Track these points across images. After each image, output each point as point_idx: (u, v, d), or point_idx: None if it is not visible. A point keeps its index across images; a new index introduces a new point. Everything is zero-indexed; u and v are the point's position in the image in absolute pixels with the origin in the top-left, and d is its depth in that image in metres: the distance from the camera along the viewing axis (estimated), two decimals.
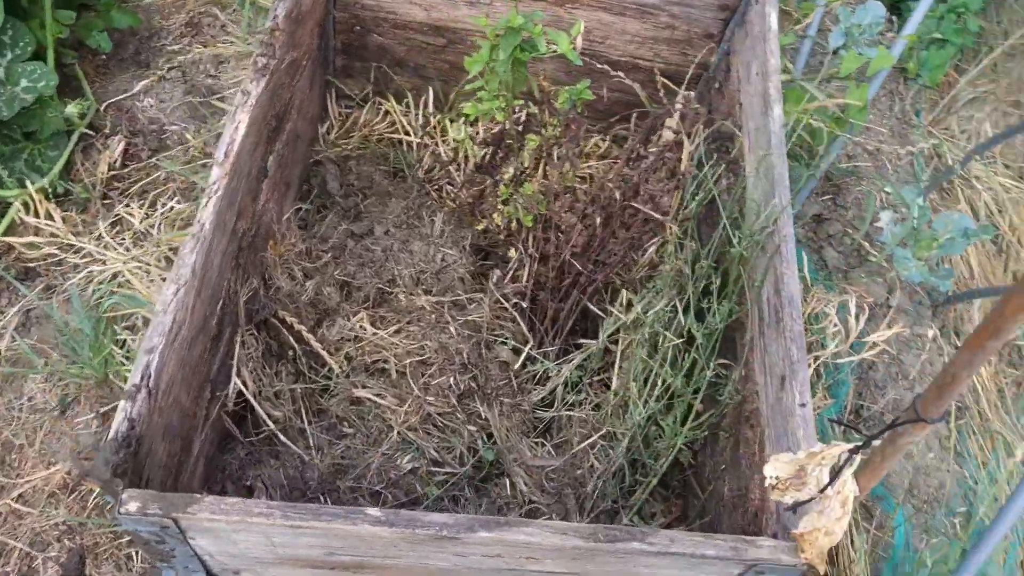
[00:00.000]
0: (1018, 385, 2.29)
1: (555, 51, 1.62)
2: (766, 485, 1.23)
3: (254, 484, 1.61)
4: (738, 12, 2.05)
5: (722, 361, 1.76)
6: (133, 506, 1.17)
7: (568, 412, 1.83)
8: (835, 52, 2.48)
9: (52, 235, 2.09)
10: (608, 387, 1.89)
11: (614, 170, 1.68)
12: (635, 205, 1.61)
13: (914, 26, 2.15)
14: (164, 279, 2.05)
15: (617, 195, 1.61)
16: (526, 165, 1.81)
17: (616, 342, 1.87)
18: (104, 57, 2.54)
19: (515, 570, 1.35)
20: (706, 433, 1.78)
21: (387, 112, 2.29)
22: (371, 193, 2.13)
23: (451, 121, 2.26)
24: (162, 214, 2.19)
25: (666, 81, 1.90)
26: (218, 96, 2.41)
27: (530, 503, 1.73)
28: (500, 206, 1.82)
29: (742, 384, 1.67)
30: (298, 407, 1.72)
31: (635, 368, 1.81)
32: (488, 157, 1.84)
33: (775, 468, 1.21)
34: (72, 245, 2.09)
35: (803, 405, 1.39)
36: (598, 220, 1.67)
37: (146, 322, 1.99)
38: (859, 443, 1.13)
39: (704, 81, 2.19)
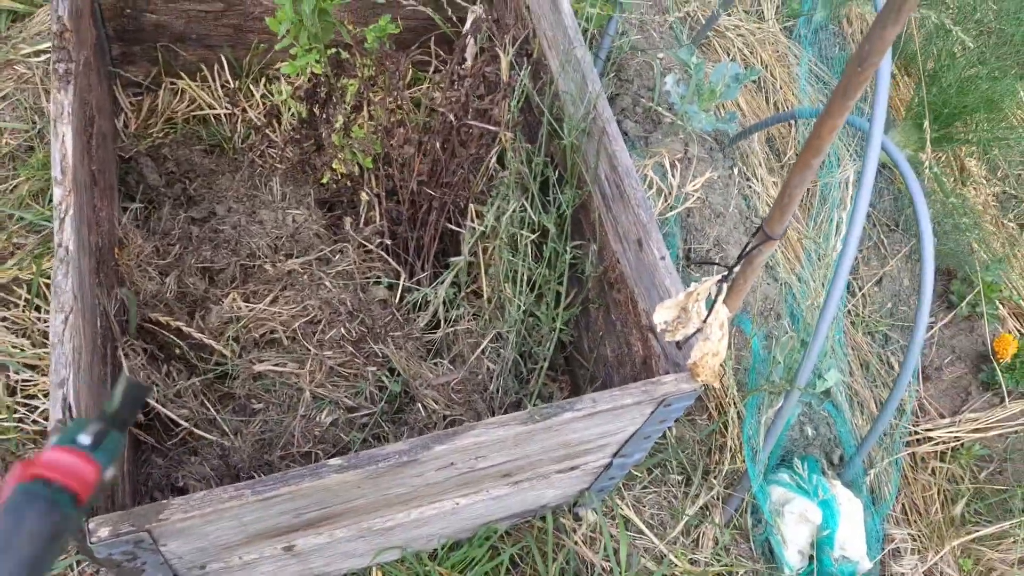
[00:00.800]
0: (811, 203, 2.67)
1: None
2: (658, 331, 1.44)
3: (186, 484, 1.63)
4: None
5: (576, 243, 1.95)
6: (104, 532, 1.18)
7: (454, 328, 1.96)
8: None
9: None
10: (480, 296, 2.04)
11: (441, 95, 1.77)
12: (470, 123, 1.72)
13: None
14: (3, 318, 1.94)
15: (452, 117, 1.72)
16: (350, 109, 1.86)
17: (479, 253, 2.00)
18: None
19: (466, 472, 1.50)
20: (578, 310, 1.98)
21: (182, 90, 2.22)
22: (195, 176, 2.10)
23: (254, 84, 2.23)
24: None
25: (461, 2, 1.99)
26: None
27: (444, 418, 1.87)
28: (339, 155, 1.87)
29: (599, 257, 1.86)
30: (201, 400, 1.74)
31: (502, 271, 1.96)
32: (312, 110, 1.87)
33: (662, 314, 1.42)
34: None
35: (663, 258, 1.59)
36: (437, 145, 1.77)
37: (0, 367, 1.89)
38: (724, 273, 1.34)
39: None
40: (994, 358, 2.51)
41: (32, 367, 1.89)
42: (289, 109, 2.20)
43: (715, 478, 2.08)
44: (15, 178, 2.13)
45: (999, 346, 2.52)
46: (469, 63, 1.89)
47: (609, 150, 1.72)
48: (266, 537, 1.45)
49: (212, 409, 1.73)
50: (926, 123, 2.41)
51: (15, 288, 1.99)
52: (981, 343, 2.62)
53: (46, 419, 1.87)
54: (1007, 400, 2.47)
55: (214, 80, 2.23)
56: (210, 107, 2.21)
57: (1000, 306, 2.66)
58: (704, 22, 2.93)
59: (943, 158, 2.84)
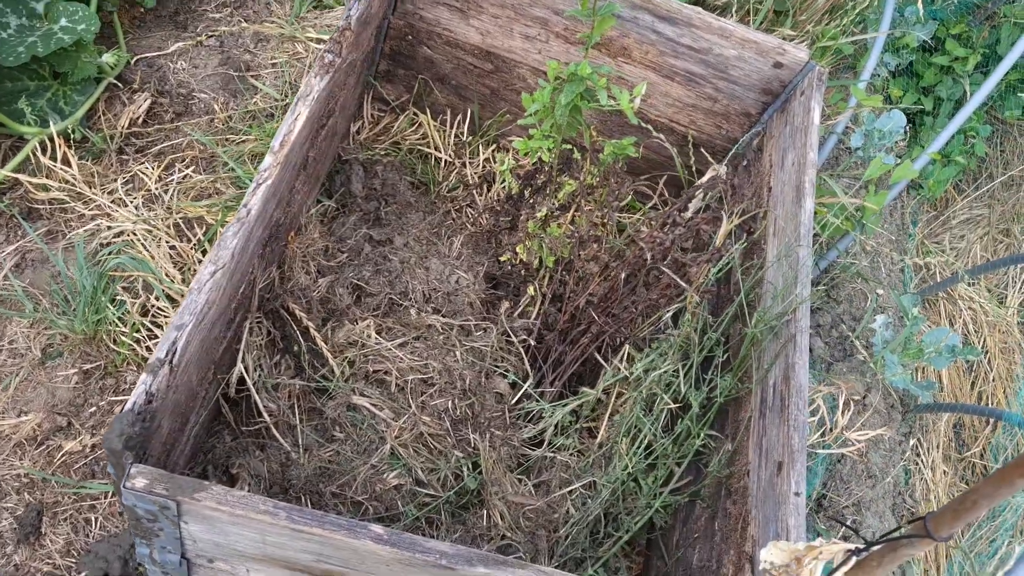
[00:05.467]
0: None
1: (614, 105, 1.66)
2: (760, 569, 1.27)
3: (239, 473, 1.59)
4: (779, 99, 2.11)
5: (711, 433, 1.80)
6: (140, 482, 1.15)
7: (553, 454, 1.85)
8: (853, 151, 2.58)
9: (65, 181, 2.05)
10: (594, 436, 1.92)
11: (646, 232, 1.71)
12: (663, 269, 1.65)
13: (940, 144, 2.25)
14: (172, 247, 2.03)
15: (648, 256, 1.65)
16: (559, 207, 1.83)
17: (612, 394, 1.90)
18: (143, 10, 2.51)
19: None
20: (684, 499, 1.81)
21: (420, 124, 2.30)
22: (393, 201, 2.14)
23: (482, 145, 2.28)
24: (177, 180, 2.16)
25: (707, 155, 1.95)
26: (253, 74, 2.39)
27: (503, 538, 1.74)
28: (528, 242, 1.84)
29: (731, 459, 1.71)
30: (293, 403, 1.71)
31: (627, 424, 1.84)
32: (522, 192, 1.86)
33: (772, 554, 1.24)
34: (83, 195, 2.05)
35: (797, 494, 1.43)
36: (622, 276, 1.70)
37: (146, 287, 1.96)
38: (859, 546, 1.17)
39: (732, 156, 2.25)
40: None
41: (172, 299, 1.95)
42: (503, 181, 2.22)
43: None
44: (247, 135, 2.26)
45: None
46: (689, 215, 1.83)
47: (789, 360, 1.59)
48: (278, 565, 1.37)
49: (297, 416, 1.70)
50: None
51: (196, 226, 2.08)
52: None
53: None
54: None
55: (451, 128, 2.29)
56: (436, 149, 2.26)
57: None
58: (940, 280, 2.74)
59: None
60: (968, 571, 2.05)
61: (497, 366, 1.87)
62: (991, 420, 2.52)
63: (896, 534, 1.14)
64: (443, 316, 1.88)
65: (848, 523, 2.07)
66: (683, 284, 1.65)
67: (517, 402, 1.86)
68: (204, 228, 2.08)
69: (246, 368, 1.63)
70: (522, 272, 1.92)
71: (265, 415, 1.63)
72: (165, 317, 1.94)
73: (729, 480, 1.70)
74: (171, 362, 1.24)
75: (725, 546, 1.63)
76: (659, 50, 2.08)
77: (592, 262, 1.79)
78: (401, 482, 1.67)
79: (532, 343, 1.88)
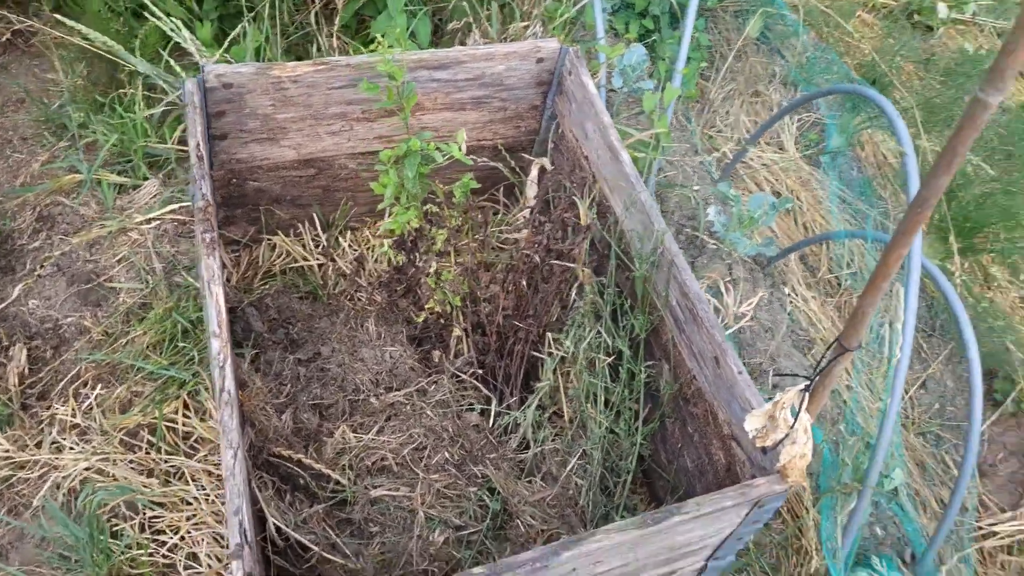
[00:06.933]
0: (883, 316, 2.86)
1: (446, 154, 1.93)
2: (750, 437, 1.61)
3: None
4: (553, 84, 2.46)
5: (649, 363, 2.14)
6: None
7: (541, 448, 2.12)
8: (617, 90, 2.99)
9: (2, 458, 2.08)
10: (562, 416, 2.21)
11: (524, 239, 2.01)
12: (552, 263, 1.95)
13: (683, 62, 2.68)
14: (130, 460, 2.12)
15: (537, 259, 1.95)
16: (441, 255, 2.09)
17: (559, 375, 2.19)
18: None
19: None
20: (656, 425, 2.15)
21: (277, 245, 2.47)
22: (295, 321, 2.32)
23: (340, 236, 2.49)
24: (96, 404, 2.23)
25: (523, 154, 2.26)
26: (105, 278, 2.47)
27: (542, 532, 2.01)
28: (433, 296, 2.09)
29: (675, 375, 2.05)
30: (323, 526, 1.89)
31: (583, 392, 2.14)
32: (410, 258, 2.10)
33: (752, 423, 1.59)
34: (24, 463, 2.10)
35: (741, 373, 1.78)
36: (523, 282, 1.99)
37: (131, 507, 2.05)
38: (807, 383, 1.53)
39: (540, 143, 2.59)
40: None
41: (159, 504, 2.05)
42: (374, 258, 2.44)
43: None
44: (133, 332, 2.36)
45: None
46: (533, 204, 2.14)
47: (679, 279, 1.94)
48: None
49: (333, 533, 1.88)
50: (951, 237, 2.64)
51: (139, 432, 2.18)
52: None
53: (172, 552, 2.02)
54: None
55: (306, 235, 2.48)
56: (303, 259, 2.45)
57: None
58: (732, 157, 3.22)
59: (966, 266, 3.06)
60: (867, 360, 2.53)
61: (462, 405, 2.12)
62: (825, 243, 3.04)
63: (824, 361, 1.51)
64: (398, 390, 2.10)
65: (771, 372, 2.49)
66: (571, 265, 1.96)
67: (494, 423, 2.12)
68: (148, 430, 2.18)
69: (274, 520, 1.79)
70: (440, 321, 2.16)
71: (311, 546, 1.80)
72: (163, 521, 2.04)
73: (682, 390, 2.04)
74: (247, 541, 1.41)
75: (706, 440, 1.97)
76: (444, 92, 2.37)
77: (491, 285, 2.07)
78: (446, 535, 1.90)
79: (479, 372, 2.14)
